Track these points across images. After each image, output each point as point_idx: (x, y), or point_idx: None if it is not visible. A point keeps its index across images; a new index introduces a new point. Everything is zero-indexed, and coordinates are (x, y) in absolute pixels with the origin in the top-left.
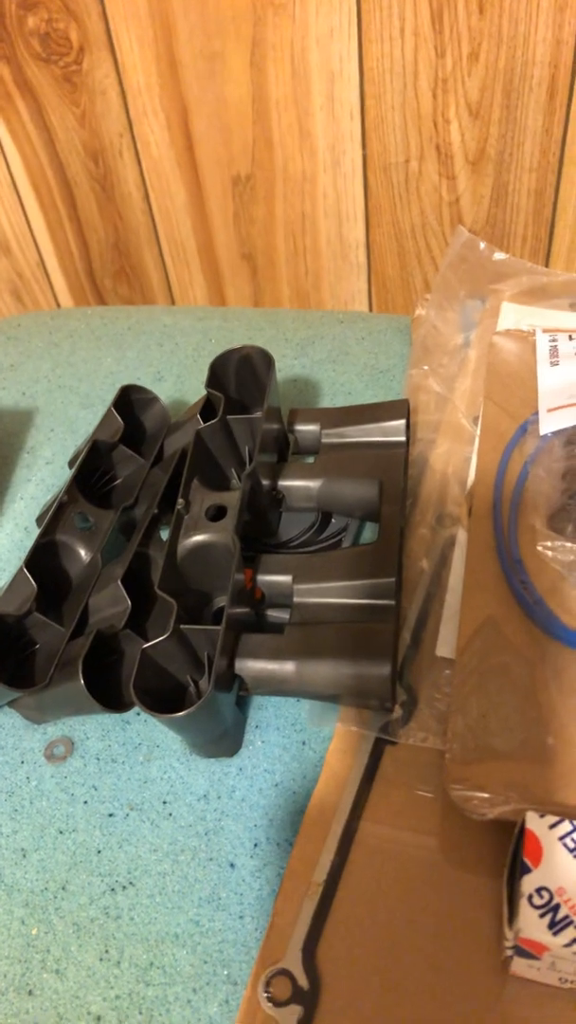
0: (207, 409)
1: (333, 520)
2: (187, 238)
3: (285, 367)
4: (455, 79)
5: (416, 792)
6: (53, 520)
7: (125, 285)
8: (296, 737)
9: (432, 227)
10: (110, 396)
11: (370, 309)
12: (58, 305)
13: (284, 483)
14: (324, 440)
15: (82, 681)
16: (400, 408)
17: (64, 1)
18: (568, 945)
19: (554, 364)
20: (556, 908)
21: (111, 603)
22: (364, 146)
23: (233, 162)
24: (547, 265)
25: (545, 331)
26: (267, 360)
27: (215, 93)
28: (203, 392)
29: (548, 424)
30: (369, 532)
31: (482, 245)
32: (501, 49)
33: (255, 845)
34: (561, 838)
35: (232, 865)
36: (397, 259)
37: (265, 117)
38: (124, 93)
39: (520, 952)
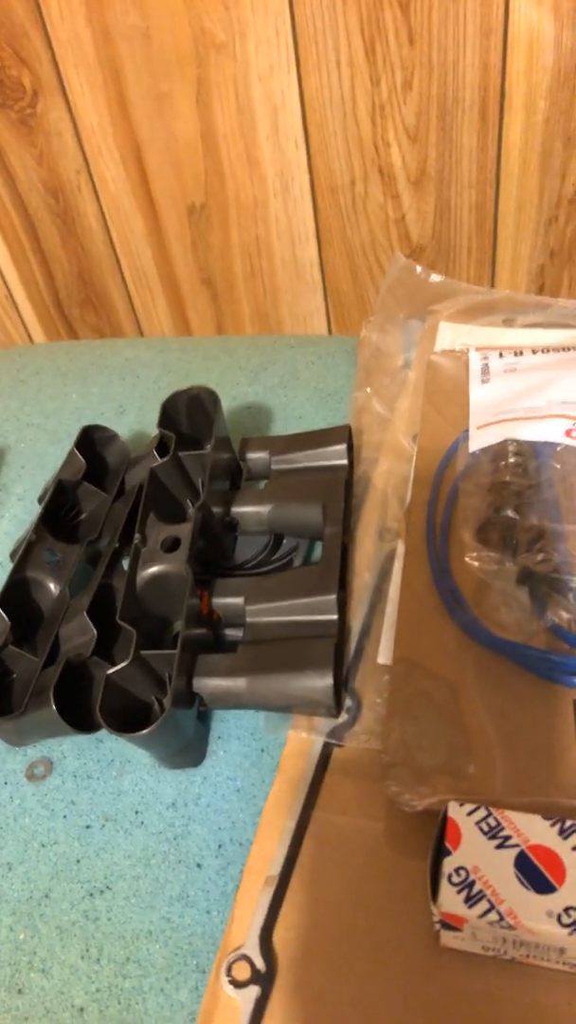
0: (162, 445)
1: (285, 541)
2: (148, 266)
3: (239, 395)
4: (391, 105)
5: (360, 786)
6: (23, 558)
7: (92, 313)
8: (255, 745)
9: (381, 244)
10: (76, 431)
11: (328, 325)
12: (29, 335)
13: (237, 509)
14: (273, 467)
15: (54, 707)
16: (341, 434)
17: (15, 49)
18: (482, 916)
19: (485, 382)
20: (471, 884)
21: (79, 632)
22: (311, 171)
23: (187, 193)
24: (493, 274)
25: (478, 349)
26: (214, 398)
27: (165, 130)
28: None
29: (477, 441)
30: (319, 550)
31: (419, 269)
32: (433, 76)
33: (219, 846)
34: (477, 823)
35: (199, 866)
36: (350, 276)
37: (214, 150)
38: (78, 133)
39: (445, 925)
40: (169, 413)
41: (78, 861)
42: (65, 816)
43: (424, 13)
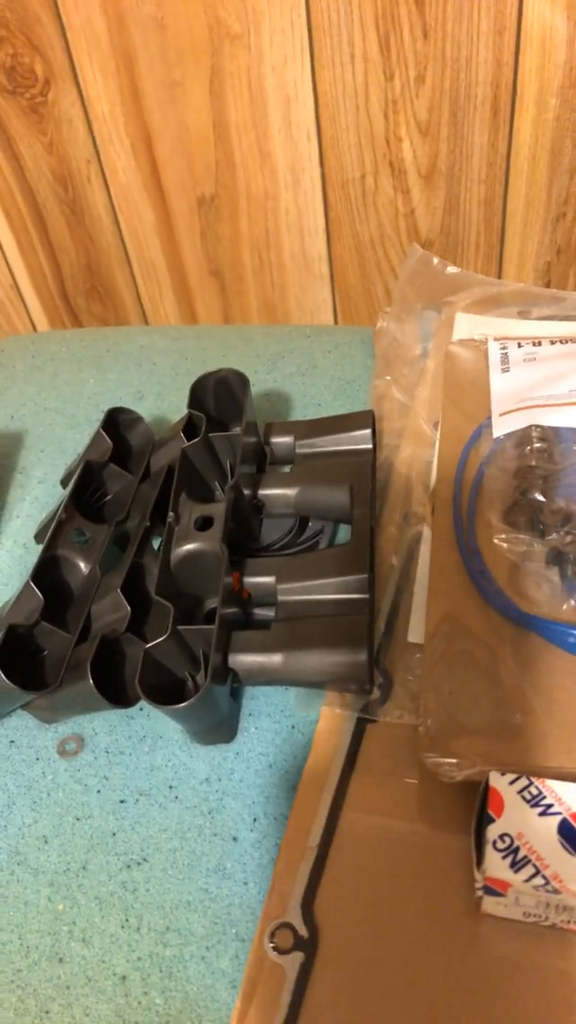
0: (189, 428)
1: (310, 524)
2: (156, 257)
3: (257, 381)
4: (404, 100)
5: (395, 761)
6: (54, 536)
7: (98, 304)
8: (286, 722)
9: (390, 238)
10: (95, 416)
11: (335, 318)
12: (33, 325)
13: (264, 492)
14: (298, 451)
15: (91, 681)
16: (366, 418)
17: (28, 36)
18: (527, 880)
19: (505, 371)
20: (516, 850)
21: (112, 610)
22: (322, 164)
23: (197, 184)
24: (500, 269)
25: (496, 339)
26: (242, 380)
27: (177, 119)
28: (183, 410)
29: (501, 427)
30: (343, 533)
31: (435, 260)
32: (446, 71)
33: (254, 820)
34: (519, 792)
35: (235, 839)
36: (358, 269)
37: (226, 140)
38: (89, 122)
39: (488, 891)
40: (197, 394)
41: (114, 834)
42: (99, 791)
43: (439, 8)
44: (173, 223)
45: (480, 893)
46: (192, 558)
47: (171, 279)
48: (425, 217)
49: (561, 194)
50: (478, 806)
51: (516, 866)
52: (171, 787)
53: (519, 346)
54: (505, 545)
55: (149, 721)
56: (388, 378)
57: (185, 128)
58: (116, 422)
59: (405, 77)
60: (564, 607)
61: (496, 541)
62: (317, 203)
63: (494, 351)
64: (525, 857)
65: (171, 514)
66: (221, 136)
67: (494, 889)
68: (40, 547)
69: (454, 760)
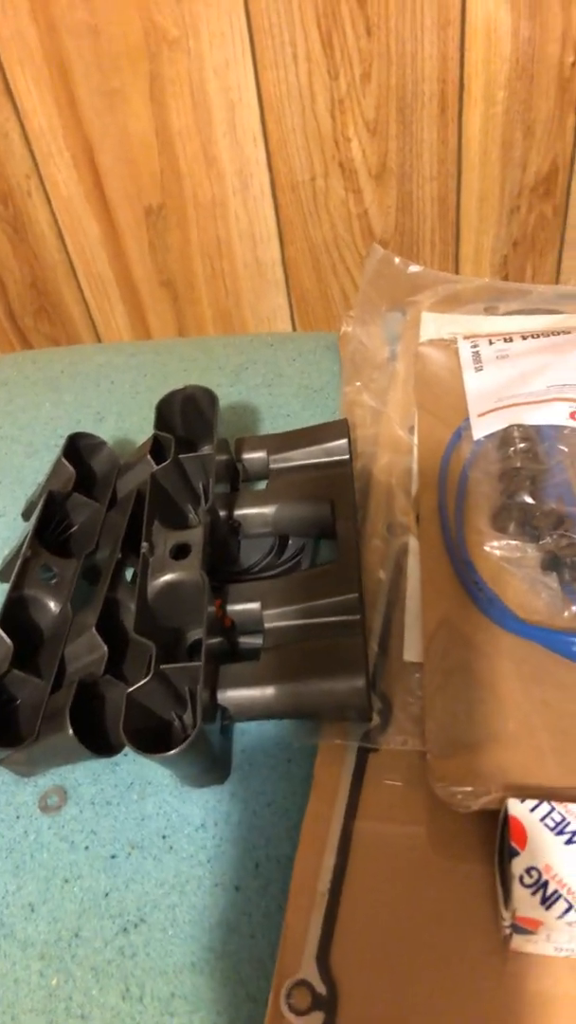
0: (156, 449)
1: (290, 542)
2: (104, 271)
3: (222, 395)
4: (351, 99)
5: (403, 792)
6: (19, 576)
7: (47, 323)
8: (281, 756)
9: (344, 240)
10: (54, 442)
11: (292, 324)
12: None
13: (240, 512)
14: (272, 466)
15: (71, 731)
16: (340, 428)
17: None
18: (561, 917)
19: (478, 369)
20: (545, 884)
21: (88, 650)
22: (270, 168)
23: (143, 193)
24: (457, 266)
25: (466, 338)
26: (210, 397)
27: (118, 128)
28: (146, 429)
29: (480, 429)
30: (326, 549)
31: (397, 260)
32: (391, 68)
33: (256, 866)
34: (542, 819)
35: (237, 888)
36: (313, 273)
37: (170, 148)
38: (26, 135)
39: (518, 930)
40: (163, 414)
41: (106, 895)
42: (87, 847)
43: (381, 4)
44: (120, 235)
45: (508, 931)
46: (171, 590)
47: (121, 293)
48: (379, 217)
49: (514, 187)
50: (499, 837)
51: (547, 902)
52: (164, 837)
53: (490, 343)
54: (497, 552)
55: (136, 766)
56: (358, 384)
57: (127, 137)
58: (77, 448)
59: (350, 76)
60: (565, 614)
61: (487, 548)
62: (267, 208)
63: (465, 350)
64: (555, 892)
65: (144, 544)
66: (165, 144)
67: (524, 928)
68: (4, 587)
69: (468, 788)
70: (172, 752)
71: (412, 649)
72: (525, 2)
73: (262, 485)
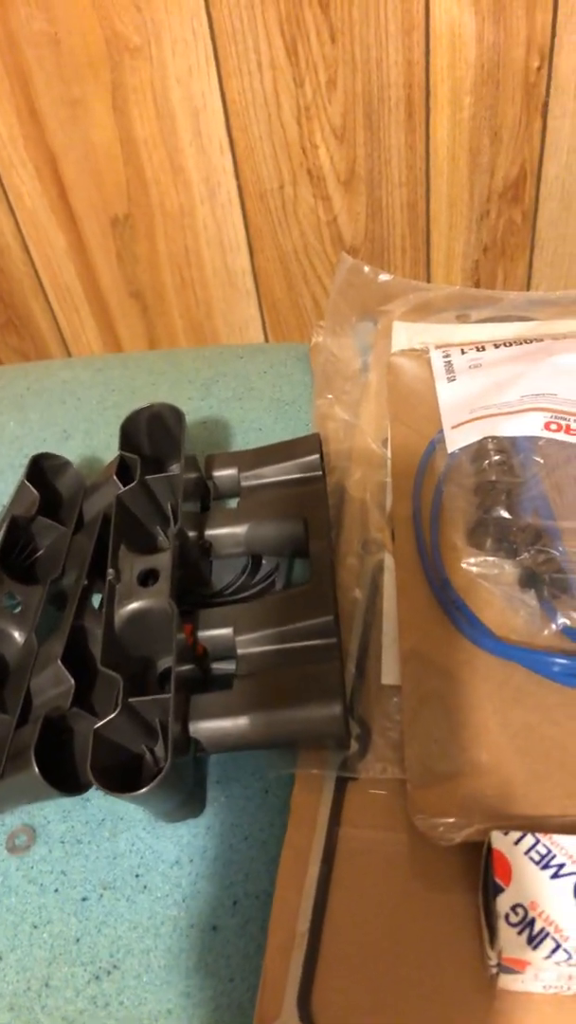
0: (123, 470)
1: (263, 561)
2: (72, 283)
3: (192, 409)
4: (317, 106)
5: (383, 821)
6: None
7: (15, 336)
8: (258, 786)
9: (314, 247)
10: (18, 462)
11: (264, 333)
12: None
13: (211, 532)
14: (243, 483)
15: (36, 771)
16: (312, 443)
17: None
18: (548, 957)
19: (451, 380)
20: (532, 923)
21: (54, 683)
22: (237, 176)
23: (109, 204)
24: (429, 272)
25: (438, 347)
26: (177, 414)
27: (81, 138)
28: (114, 447)
29: (454, 441)
30: (300, 568)
31: (366, 269)
32: (357, 74)
33: (234, 903)
34: (526, 852)
35: (214, 928)
36: (284, 282)
37: (135, 157)
38: None
39: (504, 970)
40: (129, 434)
41: (78, 940)
42: (57, 890)
43: (344, 10)
44: (87, 246)
45: (494, 971)
46: (139, 618)
47: (90, 305)
48: (348, 224)
49: (483, 192)
50: (482, 871)
51: (534, 942)
52: (138, 876)
53: (462, 352)
54: (474, 569)
55: (107, 802)
56: (330, 396)
57: (91, 147)
58: (41, 469)
59: (316, 82)
60: (545, 632)
61: (464, 565)
62: (236, 216)
63: (437, 360)
64: (543, 930)
65: (110, 571)
66: (130, 153)
67: (511, 968)
68: None
69: (449, 820)
70: (142, 791)
71: (390, 671)
72: (489, 7)
73: (234, 503)
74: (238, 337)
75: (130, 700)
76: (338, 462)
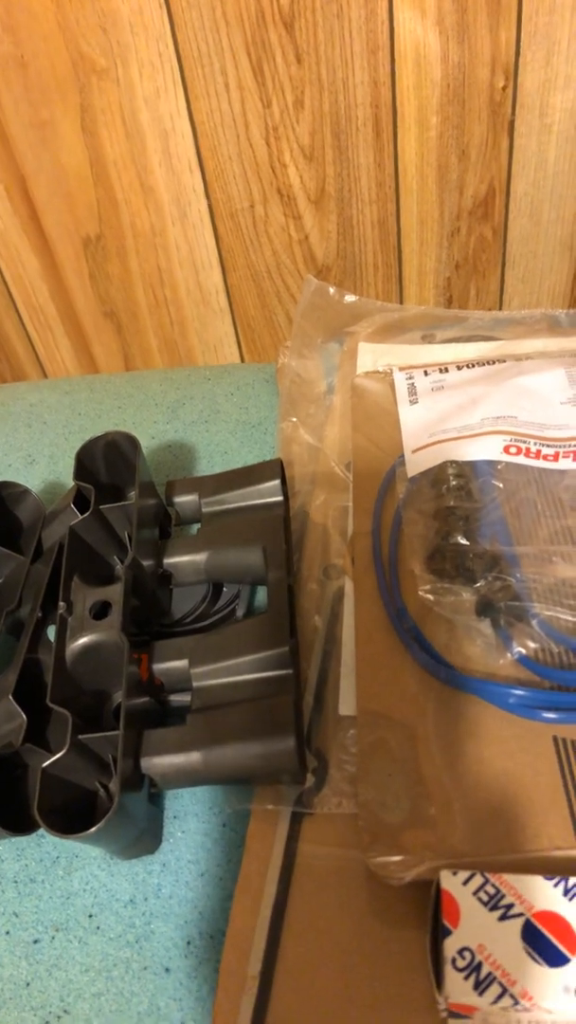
0: (80, 498)
1: (225, 588)
2: (46, 304)
3: (157, 433)
4: (285, 126)
5: (338, 857)
6: None
7: None
8: (215, 821)
9: (286, 266)
10: None
11: (239, 350)
12: None
13: (170, 560)
14: (204, 509)
15: None
16: (273, 468)
17: None
18: (494, 1002)
19: (413, 402)
20: (479, 967)
21: (6, 719)
22: (208, 196)
23: (80, 224)
24: (401, 289)
25: (401, 369)
26: (132, 443)
27: (51, 160)
28: None
29: (414, 465)
30: (262, 594)
31: (332, 290)
32: (324, 95)
33: (188, 943)
34: (475, 893)
35: (167, 970)
36: (257, 300)
37: (105, 178)
38: None
39: (452, 1015)
40: (84, 463)
41: (28, 984)
42: (8, 932)
43: (309, 32)
44: (59, 267)
45: (444, 1015)
46: (90, 652)
47: (64, 325)
48: (320, 242)
49: (453, 209)
50: (431, 912)
51: (480, 987)
52: (91, 916)
53: (425, 374)
54: (431, 596)
55: (62, 840)
56: (294, 419)
57: (61, 168)
58: (1, 497)
59: (283, 103)
60: (501, 661)
61: (421, 593)
62: (207, 236)
63: (400, 382)
64: (489, 974)
65: (61, 604)
66: (100, 174)
67: (459, 1013)
68: None
69: (399, 857)
70: (89, 832)
71: (347, 702)
72: (453, 27)
73: (196, 528)
74: (213, 355)
75: (80, 737)
76: (302, 486)
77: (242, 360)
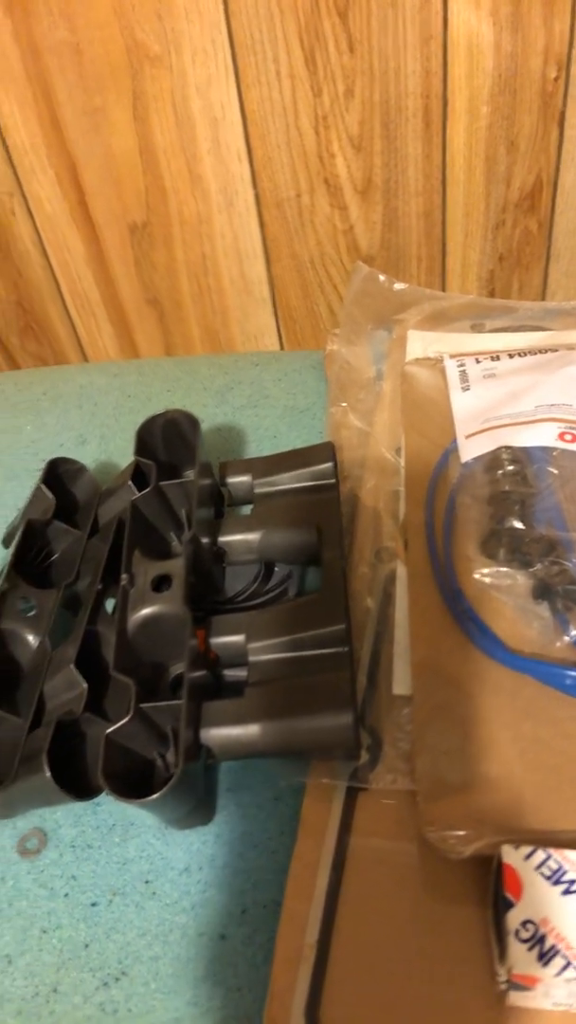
0: (138, 476)
1: (276, 568)
2: (90, 289)
3: (207, 416)
4: (334, 115)
5: (393, 832)
6: None
7: (33, 341)
8: (268, 794)
9: (330, 256)
10: (35, 466)
11: (279, 342)
12: None
13: (224, 538)
14: (257, 490)
15: (48, 775)
16: (326, 451)
17: None
18: (558, 974)
19: (465, 389)
20: (542, 939)
21: (67, 687)
22: (255, 185)
23: (128, 211)
24: (444, 281)
25: (452, 356)
26: (192, 421)
27: (102, 146)
28: (129, 452)
29: (468, 451)
30: (313, 576)
31: (382, 277)
32: (375, 84)
33: (243, 912)
34: (537, 868)
35: (223, 936)
36: (300, 290)
37: (154, 165)
38: (9, 154)
39: (514, 986)
40: (144, 440)
41: (86, 945)
42: (67, 894)
43: (363, 20)
44: (105, 253)
45: (504, 987)
46: (152, 623)
47: (107, 311)
48: (364, 233)
49: (499, 202)
50: (492, 886)
51: (544, 958)
52: (147, 882)
53: (477, 362)
54: (487, 580)
55: (118, 808)
56: (344, 404)
57: (111, 155)
58: (58, 474)
59: (334, 92)
60: (557, 644)
61: (477, 576)
62: (253, 225)
63: (451, 369)
64: (553, 947)
65: (124, 576)
66: (149, 161)
67: (521, 984)
68: None
69: (459, 833)
70: (153, 797)
71: (401, 682)
72: (507, 17)
73: (247, 509)
74: (253, 344)
75: (142, 706)
76: (351, 470)
77: (281, 350)
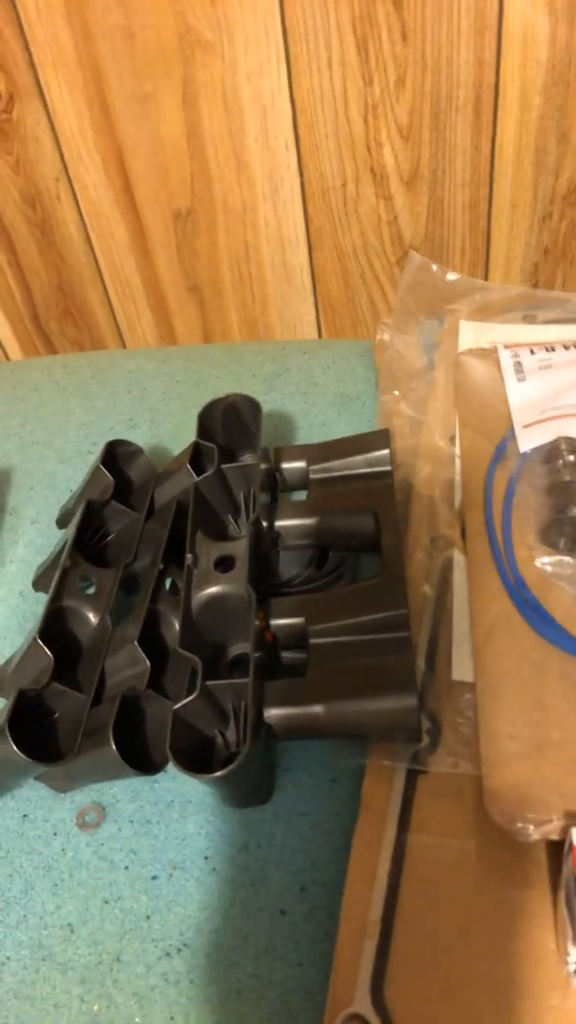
0: (196, 458)
1: (330, 555)
2: (131, 275)
3: None
4: (384, 104)
5: (455, 815)
6: (59, 586)
7: (72, 326)
8: (325, 776)
9: (373, 246)
10: (85, 448)
11: (318, 330)
12: (4, 352)
13: (280, 523)
14: (312, 476)
15: (114, 748)
16: (382, 438)
17: None
18: None
19: (520, 380)
20: None
21: (129, 664)
22: (301, 174)
23: (172, 198)
24: (487, 273)
25: (506, 347)
26: (254, 406)
27: (150, 132)
28: (179, 436)
29: (526, 441)
30: (365, 563)
31: (434, 267)
32: (426, 74)
33: (302, 889)
34: None
35: (283, 912)
36: (341, 280)
37: (201, 152)
38: (57, 138)
39: None
40: (205, 423)
41: (148, 917)
42: (127, 867)
43: (417, 9)
44: (148, 239)
45: (574, 968)
46: (216, 603)
47: (147, 297)
48: (408, 223)
49: (547, 194)
50: (565, 869)
51: None
52: (207, 858)
53: (532, 353)
54: (548, 568)
55: (175, 784)
56: (396, 393)
57: (158, 141)
58: (114, 455)
59: (384, 81)
60: None
61: (538, 564)
62: (297, 213)
63: (506, 359)
64: None
65: (189, 556)
66: (196, 148)
67: None
68: (40, 596)
69: (529, 815)
70: (220, 773)
71: (461, 668)
72: (563, 8)
73: (299, 495)
74: (291, 333)
75: (207, 683)
76: (404, 458)
77: (319, 338)
